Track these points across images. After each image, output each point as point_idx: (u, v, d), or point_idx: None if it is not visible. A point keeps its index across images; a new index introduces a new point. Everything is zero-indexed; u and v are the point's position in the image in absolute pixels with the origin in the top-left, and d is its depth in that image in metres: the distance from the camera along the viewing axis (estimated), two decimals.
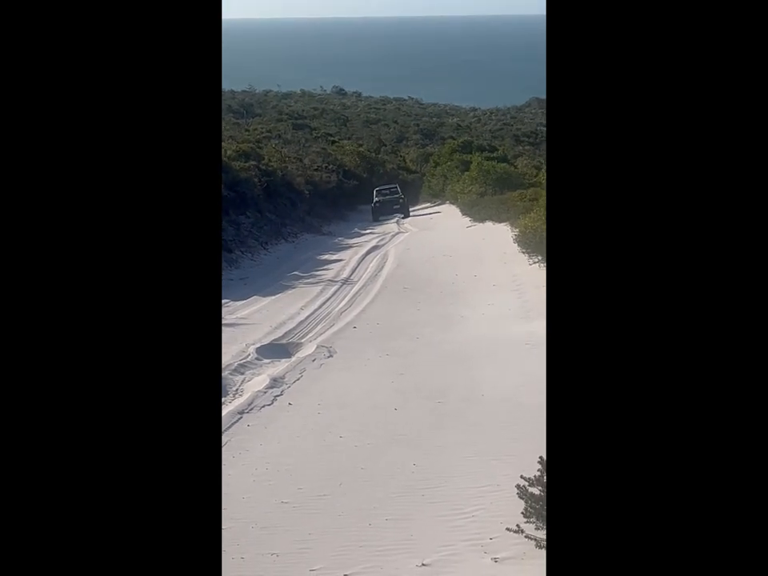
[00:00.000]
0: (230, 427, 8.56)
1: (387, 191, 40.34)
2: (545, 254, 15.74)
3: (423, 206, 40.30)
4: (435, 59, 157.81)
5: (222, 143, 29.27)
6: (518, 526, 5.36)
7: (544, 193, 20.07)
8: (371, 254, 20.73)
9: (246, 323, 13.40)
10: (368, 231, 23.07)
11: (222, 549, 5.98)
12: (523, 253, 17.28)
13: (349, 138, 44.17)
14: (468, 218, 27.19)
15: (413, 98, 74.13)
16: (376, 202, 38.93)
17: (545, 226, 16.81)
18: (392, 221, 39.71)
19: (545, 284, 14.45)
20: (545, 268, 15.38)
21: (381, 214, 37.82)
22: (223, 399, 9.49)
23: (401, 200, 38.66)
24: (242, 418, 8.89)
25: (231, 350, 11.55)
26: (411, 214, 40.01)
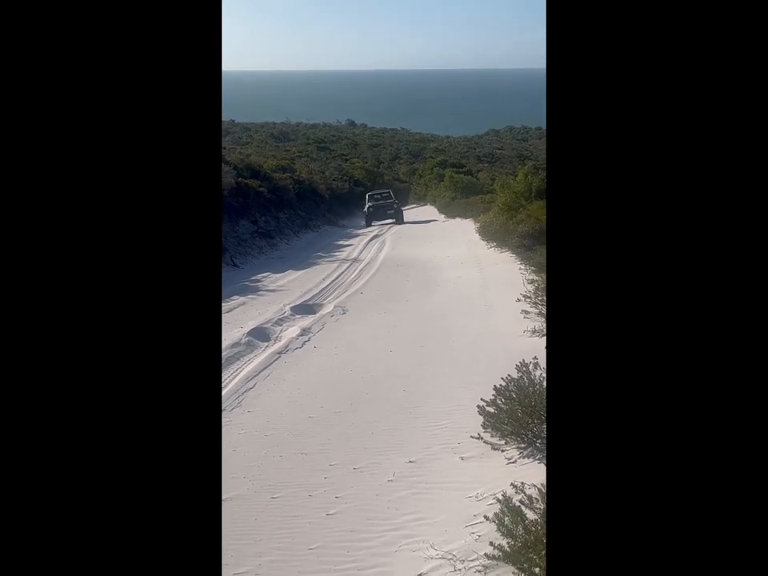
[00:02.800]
0: (271, 363, 8.66)
1: (380, 196, 32.36)
2: (499, 241, 15.73)
3: (411, 206, 37.16)
4: (419, 101, 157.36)
5: (266, 160, 28.90)
6: (478, 434, 5.39)
7: (497, 197, 20.04)
8: (373, 241, 20.80)
9: (283, 290, 13.49)
10: (371, 224, 23.19)
11: (265, 450, 6.05)
12: (482, 240, 17.31)
13: (357, 157, 43.83)
14: (443, 215, 27.31)
15: (404, 129, 74.28)
16: (369, 207, 30.97)
17: (498, 221, 16.80)
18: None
19: (497, 262, 14.53)
20: (498, 250, 15.39)
21: (374, 219, 30.21)
22: (266, 343, 9.61)
23: (395, 205, 30.62)
24: (280, 356, 8.94)
25: (272, 308, 11.61)
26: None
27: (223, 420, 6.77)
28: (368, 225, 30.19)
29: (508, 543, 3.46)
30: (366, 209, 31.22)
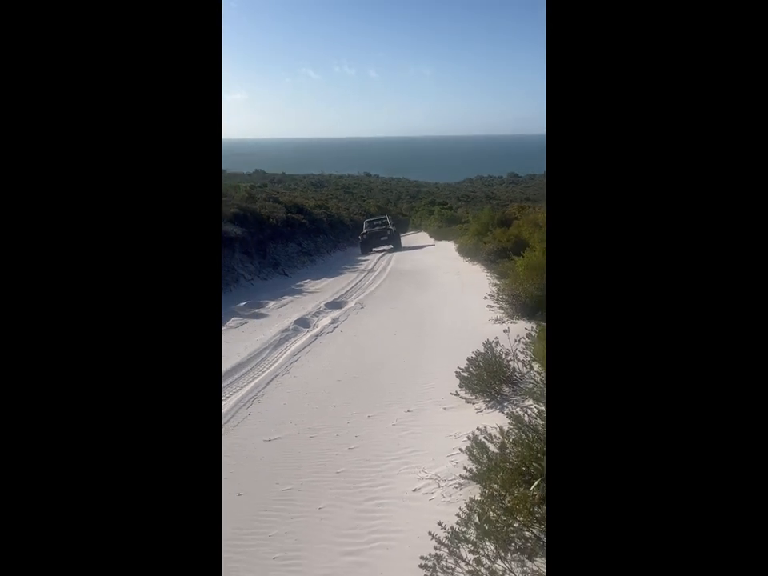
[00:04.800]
0: (310, 343, 8.59)
1: (378, 222, 25.97)
2: (472, 256, 15.74)
3: (410, 232, 34.81)
4: (415, 157, 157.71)
5: (307, 200, 28.68)
6: (456, 392, 5.39)
7: (470, 226, 20.05)
8: (383, 257, 20.60)
9: (319, 291, 13.45)
10: (381, 245, 22.96)
11: (306, 403, 6.07)
12: (460, 256, 17.30)
13: (372, 198, 43.89)
14: (432, 239, 27.19)
15: (404, 178, 74.62)
16: (363, 233, 24.19)
17: (471, 242, 16.80)
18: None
19: (470, 271, 14.49)
20: (471, 263, 15.39)
21: (370, 246, 23.47)
22: (307, 329, 9.48)
23: (389, 231, 24.02)
24: (317, 338, 8.90)
25: (311, 305, 11.57)
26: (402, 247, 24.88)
27: (276, 382, 6.81)
28: (364, 253, 23.03)
29: (476, 468, 3.49)
30: (361, 234, 24.15)
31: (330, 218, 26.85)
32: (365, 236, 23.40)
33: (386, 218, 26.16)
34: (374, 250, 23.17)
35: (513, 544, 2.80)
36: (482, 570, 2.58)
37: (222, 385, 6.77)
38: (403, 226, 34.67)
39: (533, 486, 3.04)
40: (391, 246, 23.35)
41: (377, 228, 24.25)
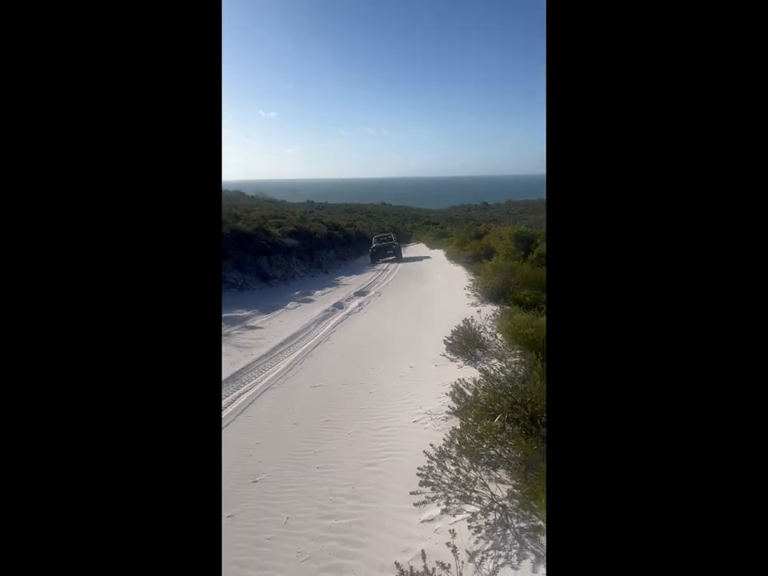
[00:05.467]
0: (343, 320, 8.55)
1: (385, 238, 23.06)
2: (455, 260, 15.61)
3: (412, 243, 33.01)
4: (416, 191, 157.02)
5: (342, 221, 28.27)
6: (443, 354, 5.37)
7: (454, 239, 19.95)
8: (393, 261, 20.63)
9: (349, 284, 13.30)
10: (387, 257, 20.67)
11: (339, 362, 6.06)
12: (448, 260, 17.13)
13: (386, 219, 43.20)
14: (428, 248, 27.03)
15: (409, 206, 74.21)
16: (373, 248, 21.75)
17: (455, 251, 16.69)
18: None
19: (455, 271, 14.32)
20: (455, 265, 15.26)
21: (378, 258, 20.84)
22: (341, 310, 9.46)
23: (393, 246, 21.78)
24: (348, 317, 8.85)
25: (344, 293, 11.55)
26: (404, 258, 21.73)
27: (319, 347, 6.80)
28: (373, 262, 20.30)
29: (456, 406, 3.47)
30: (371, 248, 21.47)
31: (357, 234, 26.63)
32: (374, 249, 21.12)
33: (391, 235, 23.58)
34: (380, 260, 20.69)
35: (482, 459, 2.79)
36: (460, 477, 2.57)
37: (283, 347, 6.79)
38: (407, 239, 33.91)
39: (496, 419, 3.02)
40: (395, 258, 20.92)
41: (383, 243, 21.85)
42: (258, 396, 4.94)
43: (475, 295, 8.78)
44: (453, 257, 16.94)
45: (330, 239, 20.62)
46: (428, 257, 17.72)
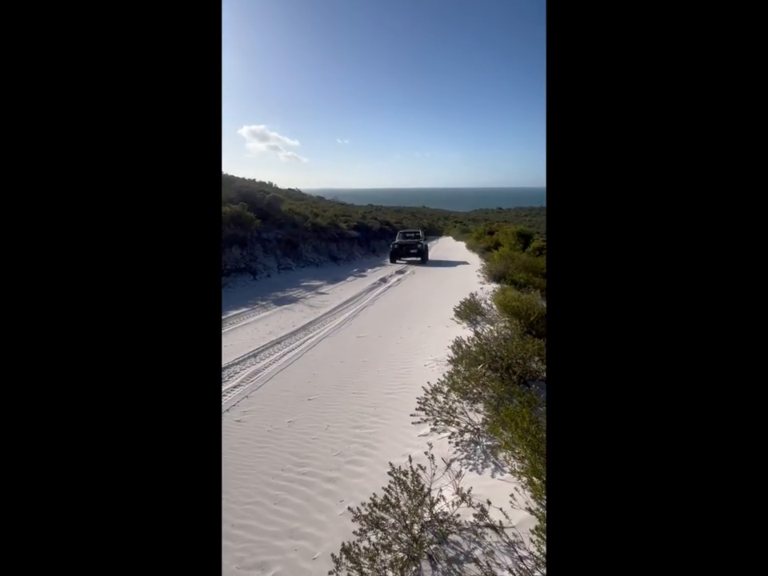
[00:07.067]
0: (385, 290, 8.49)
1: (411, 234, 15.06)
2: (473, 249, 15.19)
3: (442, 237, 28.83)
4: (447, 198, 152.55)
5: (391, 219, 26.78)
6: (452, 318, 5.29)
7: (473, 234, 19.40)
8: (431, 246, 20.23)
9: (373, 274, 12.95)
10: (410, 257, 14.27)
11: (378, 322, 6.08)
12: (468, 249, 16.73)
13: (426, 219, 41.45)
14: (454, 240, 26.36)
15: (442, 209, 72.29)
16: (395, 243, 13.72)
17: (473, 243, 16.21)
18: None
19: (472, 257, 13.91)
20: (472, 252, 14.86)
21: (399, 256, 13.52)
22: (385, 284, 9.38)
23: (419, 245, 13.30)
24: (389, 288, 8.80)
25: (388, 271, 11.47)
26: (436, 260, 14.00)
27: (365, 309, 6.84)
28: (392, 261, 13.44)
29: (456, 355, 3.44)
30: (392, 244, 13.79)
31: (402, 228, 26.25)
32: (395, 246, 13.65)
33: (418, 232, 15.00)
34: (402, 259, 13.72)
35: (468, 396, 2.77)
36: (447, 406, 2.57)
37: (341, 308, 6.90)
38: (439, 233, 32.07)
39: (479, 367, 2.98)
40: (419, 260, 13.36)
41: (408, 240, 14.21)
42: (318, 341, 5.08)
43: (483, 276, 8.57)
44: (471, 247, 16.53)
45: (382, 231, 20.54)
46: (464, 262, 12.55)
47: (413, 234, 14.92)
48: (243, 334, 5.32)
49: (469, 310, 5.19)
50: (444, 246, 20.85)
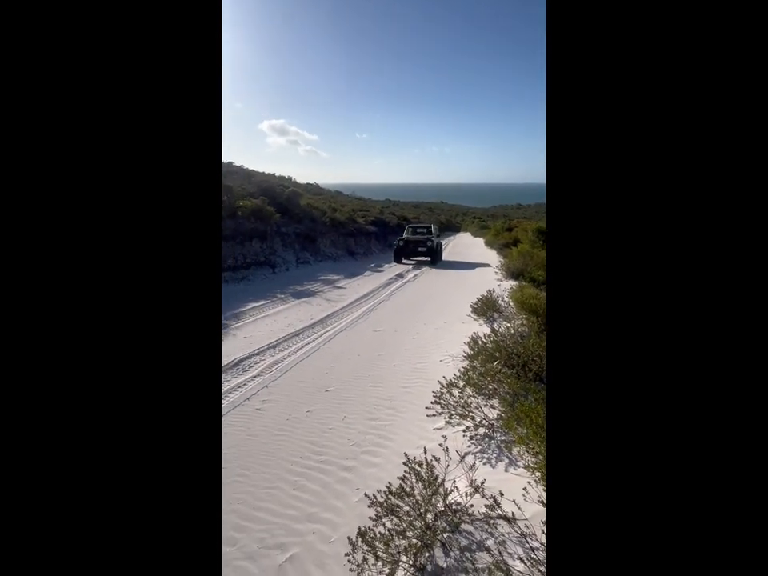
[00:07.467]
0: (401, 286, 8.50)
1: (424, 229, 12.25)
2: (491, 246, 15.03)
3: (460, 233, 28.18)
4: (466, 193, 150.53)
5: (408, 214, 26.83)
6: (469, 315, 5.29)
7: (491, 230, 19.18)
8: (450, 243, 20.00)
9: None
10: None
11: (394, 315, 6.12)
12: (486, 245, 16.58)
13: (443, 214, 41.09)
14: (472, 237, 26.05)
15: (460, 204, 71.44)
16: (399, 240, 11.22)
17: (491, 239, 16.07)
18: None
19: (490, 254, 13.78)
20: (490, 249, 14.71)
21: (404, 255, 11.08)
22: (401, 279, 9.37)
23: (429, 242, 10.80)
24: (405, 283, 8.80)
25: (388, 276, 11.39)
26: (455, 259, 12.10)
27: (383, 304, 6.89)
28: (397, 261, 11.41)
29: (471, 352, 3.46)
30: (396, 241, 11.62)
31: (403, 223, 26.08)
32: (400, 242, 11.26)
33: (431, 227, 12.55)
34: (410, 259, 11.50)
35: (483, 392, 2.79)
36: (463, 401, 2.60)
37: (358, 302, 6.97)
38: (457, 228, 31.44)
39: (495, 363, 2.99)
40: (428, 259, 11.21)
41: (417, 236, 11.71)
42: (336, 335, 5.16)
43: (501, 273, 8.50)
44: (489, 243, 16.36)
45: (399, 227, 20.52)
46: (485, 264, 10.96)
47: (425, 230, 12.47)
48: (262, 325, 5.45)
49: (486, 307, 5.18)
50: (462, 243, 20.65)
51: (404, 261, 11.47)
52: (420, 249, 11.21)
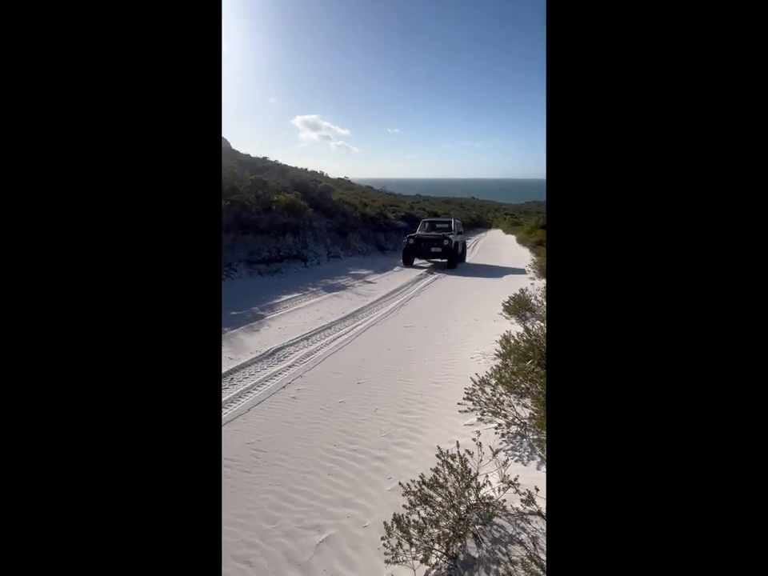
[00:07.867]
0: (431, 282, 8.48)
1: (444, 224, 10.36)
2: (523, 243, 14.72)
3: (491, 229, 27.24)
4: (499, 188, 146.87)
5: (439, 209, 25.69)
6: (501, 313, 5.24)
7: (523, 228, 18.73)
8: (481, 239, 19.67)
9: (420, 265, 12.96)
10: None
11: (421, 311, 6.13)
12: (518, 242, 16.22)
13: (474, 210, 40.17)
14: (503, 233, 25.48)
15: (491, 200, 69.83)
16: (410, 237, 9.16)
17: (523, 236, 15.73)
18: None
19: (522, 251, 13.50)
20: (522, 247, 14.39)
21: (414, 256, 9.05)
22: (413, 284, 9.38)
23: (444, 241, 8.74)
24: (435, 279, 8.78)
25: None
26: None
27: (412, 300, 6.91)
28: (406, 263, 9.66)
29: (503, 350, 3.45)
30: (405, 239, 9.67)
31: (427, 218, 25.68)
32: (411, 240, 9.56)
33: (451, 222, 10.77)
34: (429, 261, 9.96)
35: (516, 390, 2.79)
36: (495, 398, 2.61)
37: (387, 297, 7.03)
38: (488, 225, 30.60)
39: (528, 362, 2.98)
40: (445, 261, 9.38)
41: (432, 233, 9.76)
42: (366, 329, 5.25)
43: (534, 272, 8.33)
44: (521, 241, 16.03)
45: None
46: (519, 270, 9.45)
47: (445, 224, 10.45)
48: (296, 317, 5.61)
49: (518, 306, 5.12)
50: (492, 239, 20.30)
51: (415, 263, 9.78)
52: (434, 249, 9.17)
